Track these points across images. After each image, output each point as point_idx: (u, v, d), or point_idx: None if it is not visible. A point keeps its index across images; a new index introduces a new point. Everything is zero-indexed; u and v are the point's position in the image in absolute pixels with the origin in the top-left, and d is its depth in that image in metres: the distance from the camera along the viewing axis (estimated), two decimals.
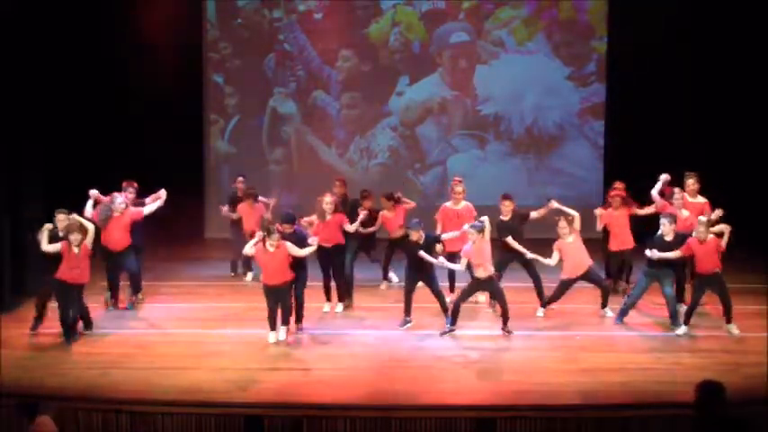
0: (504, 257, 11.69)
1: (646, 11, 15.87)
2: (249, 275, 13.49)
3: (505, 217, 11.69)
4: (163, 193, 12.12)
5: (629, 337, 10.74)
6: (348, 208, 12.31)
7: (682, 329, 10.75)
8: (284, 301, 10.56)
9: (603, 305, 11.61)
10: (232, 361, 9.90)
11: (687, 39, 15.76)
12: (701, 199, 11.96)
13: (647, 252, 10.88)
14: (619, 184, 12.58)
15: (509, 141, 17.17)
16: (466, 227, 10.90)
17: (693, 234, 10.68)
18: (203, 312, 11.90)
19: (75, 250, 10.35)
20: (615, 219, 12.19)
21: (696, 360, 9.82)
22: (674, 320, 10.89)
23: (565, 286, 11.48)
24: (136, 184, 12.23)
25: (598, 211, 12.29)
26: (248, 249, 10.66)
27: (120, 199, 11.70)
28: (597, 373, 9.48)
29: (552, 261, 11.30)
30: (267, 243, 10.33)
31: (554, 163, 17.12)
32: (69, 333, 10.46)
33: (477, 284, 10.89)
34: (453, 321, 10.82)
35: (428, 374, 9.48)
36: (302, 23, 17.10)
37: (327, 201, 11.61)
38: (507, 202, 11.74)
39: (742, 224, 14.04)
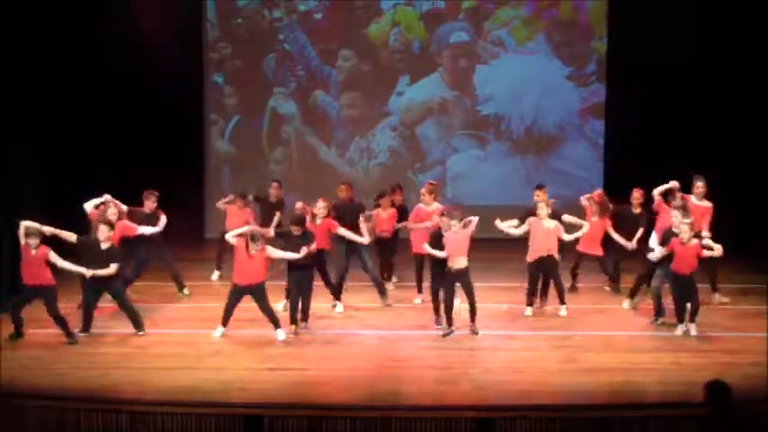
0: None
1: (646, 11, 15.90)
2: (215, 274, 13.52)
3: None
4: (163, 219, 12.20)
5: (628, 337, 10.73)
6: (355, 211, 12.21)
7: (679, 329, 10.71)
8: (261, 303, 10.58)
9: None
10: (232, 361, 9.90)
11: (687, 39, 15.76)
12: (706, 203, 11.87)
13: (649, 255, 11.00)
14: (596, 194, 12.55)
15: (509, 141, 17.19)
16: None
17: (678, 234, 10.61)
18: (203, 312, 11.88)
19: (33, 252, 10.44)
20: (591, 224, 12.15)
21: (696, 360, 9.80)
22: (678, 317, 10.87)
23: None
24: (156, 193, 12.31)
25: (584, 200, 12.47)
26: (231, 237, 10.67)
27: (113, 210, 11.59)
28: (597, 373, 9.47)
29: (516, 231, 11.44)
30: (250, 248, 10.41)
31: (554, 163, 17.13)
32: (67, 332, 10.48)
33: (452, 277, 10.74)
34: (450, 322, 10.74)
35: (428, 374, 9.47)
36: (302, 23, 17.11)
37: (320, 206, 11.64)
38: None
39: (742, 224, 14.13)
